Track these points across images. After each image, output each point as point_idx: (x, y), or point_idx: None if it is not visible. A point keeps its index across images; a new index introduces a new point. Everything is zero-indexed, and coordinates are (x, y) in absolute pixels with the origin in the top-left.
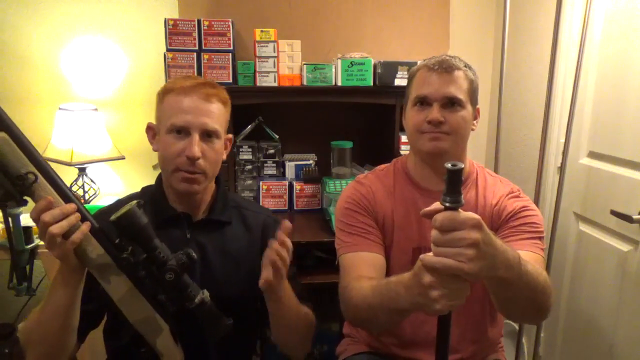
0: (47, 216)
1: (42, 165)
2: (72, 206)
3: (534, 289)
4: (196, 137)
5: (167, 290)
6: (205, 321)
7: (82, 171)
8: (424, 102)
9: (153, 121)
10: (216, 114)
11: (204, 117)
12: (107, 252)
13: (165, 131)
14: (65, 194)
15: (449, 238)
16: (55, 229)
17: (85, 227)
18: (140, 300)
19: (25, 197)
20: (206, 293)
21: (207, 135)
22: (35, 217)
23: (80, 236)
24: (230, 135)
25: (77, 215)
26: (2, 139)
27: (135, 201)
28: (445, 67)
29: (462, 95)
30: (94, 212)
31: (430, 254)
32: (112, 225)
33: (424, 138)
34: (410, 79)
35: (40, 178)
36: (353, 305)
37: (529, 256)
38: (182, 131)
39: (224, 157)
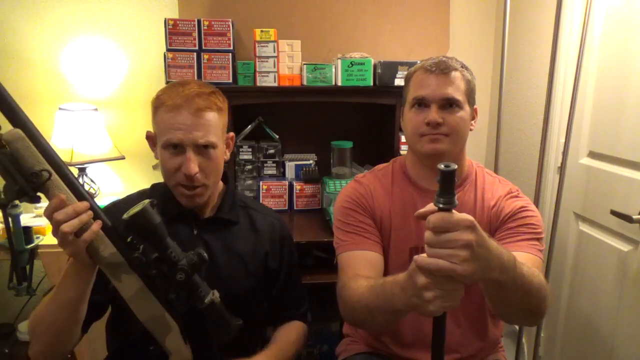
0: (59, 214)
1: (56, 163)
2: (84, 204)
3: (528, 292)
4: (190, 153)
5: (178, 290)
6: (215, 322)
7: (82, 171)
8: (421, 103)
9: (151, 126)
10: (209, 126)
11: (196, 132)
12: (119, 250)
13: (162, 146)
14: (79, 191)
15: (442, 239)
16: (67, 227)
17: (96, 226)
18: (151, 299)
19: (39, 194)
20: (216, 294)
21: (202, 148)
22: (48, 215)
23: (91, 235)
24: (232, 134)
25: (90, 213)
26: (18, 135)
27: (148, 200)
28: (442, 69)
29: (459, 96)
30: (103, 208)
31: (424, 255)
32: (124, 223)
33: (423, 140)
34: (407, 81)
35: (54, 175)
36: (350, 305)
37: (527, 258)
38: (177, 148)
39: (227, 156)
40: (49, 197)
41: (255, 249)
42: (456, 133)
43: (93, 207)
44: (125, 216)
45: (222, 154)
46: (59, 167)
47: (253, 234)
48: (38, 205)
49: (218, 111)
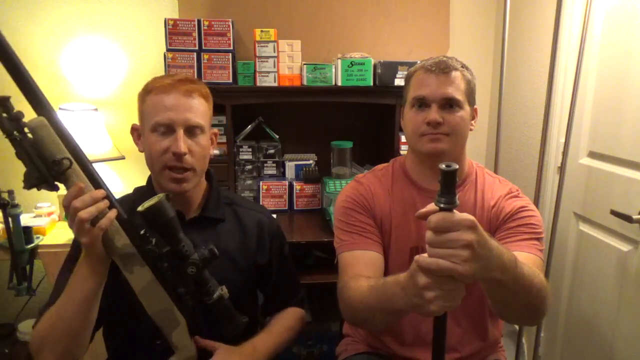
0: (77, 202)
1: (77, 152)
2: (101, 192)
3: (529, 292)
4: (181, 132)
5: (188, 284)
6: (222, 317)
7: None
8: (422, 103)
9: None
10: (199, 109)
11: (187, 113)
12: (132, 242)
13: (150, 130)
14: (97, 182)
15: (443, 239)
16: (84, 214)
17: (112, 213)
18: (161, 292)
19: (57, 184)
20: (225, 289)
21: (192, 130)
22: (67, 204)
23: (107, 222)
24: (216, 130)
25: (106, 202)
26: (41, 123)
27: (163, 194)
28: (442, 68)
29: (460, 96)
30: None
31: (425, 255)
32: (139, 215)
33: (423, 140)
34: (407, 81)
35: (75, 164)
36: (351, 304)
37: (527, 258)
38: (167, 129)
39: (211, 152)
40: (67, 186)
41: (244, 246)
42: (456, 133)
43: (109, 197)
44: (140, 208)
45: (208, 144)
46: (80, 157)
47: (240, 231)
48: (38, 205)
49: (205, 98)
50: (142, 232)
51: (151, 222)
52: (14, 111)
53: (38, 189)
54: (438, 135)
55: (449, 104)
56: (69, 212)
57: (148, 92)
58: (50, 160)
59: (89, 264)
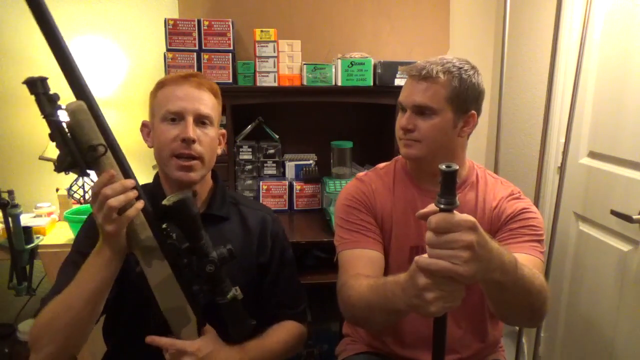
0: (108, 189)
1: (111, 140)
2: (131, 182)
3: (529, 293)
4: (190, 120)
5: (204, 282)
6: (231, 318)
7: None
8: (402, 108)
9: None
10: (208, 102)
11: (197, 103)
12: (155, 236)
13: (160, 119)
14: (127, 171)
15: (443, 240)
16: (114, 201)
17: (140, 204)
18: (176, 288)
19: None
20: (239, 291)
21: (201, 121)
22: (97, 191)
23: (134, 212)
24: (224, 131)
25: (135, 192)
26: (80, 107)
27: (189, 190)
28: (423, 75)
29: (433, 103)
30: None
31: (426, 255)
32: (163, 209)
33: (400, 144)
34: None
35: (109, 152)
36: (350, 303)
37: (528, 259)
38: (177, 117)
39: (219, 151)
40: (98, 173)
41: (247, 246)
42: (428, 139)
43: (137, 188)
44: (165, 202)
45: (216, 140)
46: (113, 145)
47: (244, 230)
48: (38, 205)
49: (214, 95)
50: (163, 226)
51: (175, 217)
52: (51, 93)
53: (66, 173)
54: (408, 141)
55: (421, 111)
56: (98, 198)
57: (161, 86)
58: (87, 146)
59: (106, 254)
